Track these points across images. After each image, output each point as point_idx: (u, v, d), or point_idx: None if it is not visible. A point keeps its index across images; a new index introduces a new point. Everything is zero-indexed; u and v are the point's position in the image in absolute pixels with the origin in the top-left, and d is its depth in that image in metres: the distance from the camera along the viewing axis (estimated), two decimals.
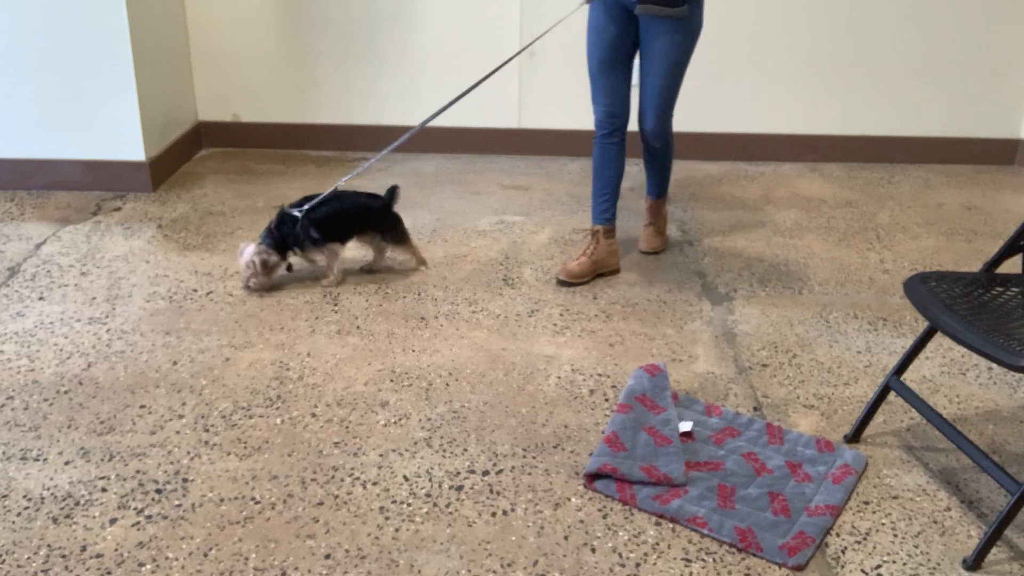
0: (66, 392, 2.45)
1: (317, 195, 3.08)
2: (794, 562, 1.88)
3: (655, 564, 1.89)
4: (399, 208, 3.17)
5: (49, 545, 1.90)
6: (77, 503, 2.02)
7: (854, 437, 2.31)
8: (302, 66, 4.41)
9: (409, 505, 2.04)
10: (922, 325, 2.65)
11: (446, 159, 4.48)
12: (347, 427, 2.32)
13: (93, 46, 3.69)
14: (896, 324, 2.92)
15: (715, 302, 3.05)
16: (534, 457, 2.22)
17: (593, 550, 1.92)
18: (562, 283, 3.12)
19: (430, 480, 2.13)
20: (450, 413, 2.39)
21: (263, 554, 1.89)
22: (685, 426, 2.30)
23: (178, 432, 2.29)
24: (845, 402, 2.49)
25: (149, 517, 1.99)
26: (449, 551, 1.91)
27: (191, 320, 2.85)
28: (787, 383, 2.57)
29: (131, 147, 3.85)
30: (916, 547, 1.96)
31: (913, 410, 2.40)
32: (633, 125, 3.11)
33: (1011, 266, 2.16)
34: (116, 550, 1.89)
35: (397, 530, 1.96)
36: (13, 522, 1.96)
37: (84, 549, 1.89)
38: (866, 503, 2.09)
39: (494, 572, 1.85)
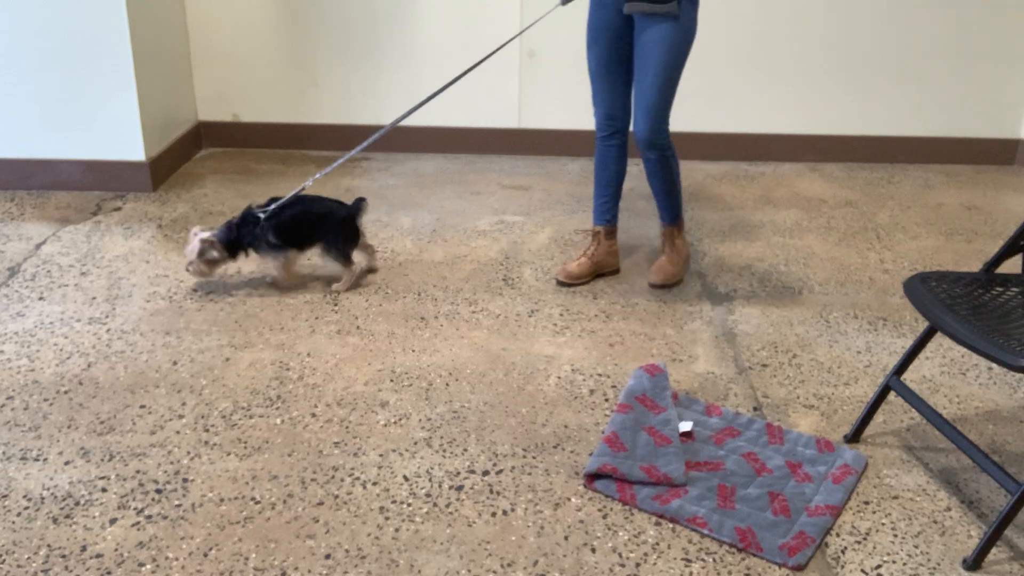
0: (66, 392, 2.45)
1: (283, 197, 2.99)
2: (794, 562, 1.88)
3: (655, 564, 1.89)
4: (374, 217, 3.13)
5: (49, 545, 1.90)
6: (77, 503, 2.02)
7: (854, 437, 2.31)
8: (302, 66, 4.41)
9: (409, 505, 2.04)
10: (922, 325, 2.65)
11: (446, 159, 4.48)
12: (347, 427, 2.32)
13: (93, 46, 3.69)
14: (896, 324, 2.92)
15: (715, 302, 3.05)
16: (534, 457, 2.22)
17: (593, 550, 1.92)
18: (561, 284, 3.12)
19: (430, 480, 2.13)
20: (450, 413, 2.39)
21: (263, 554, 1.89)
22: (685, 426, 2.30)
23: (178, 432, 2.29)
24: (845, 402, 2.49)
25: (149, 517, 1.99)
26: (449, 551, 1.91)
27: (191, 320, 2.85)
28: (787, 383, 2.57)
29: (131, 147, 3.85)
30: (916, 547, 1.96)
31: (913, 410, 2.40)
32: None
33: (1011, 266, 2.16)
34: (116, 550, 1.89)
35: (397, 530, 1.96)
36: (13, 522, 1.96)
37: (84, 549, 1.89)
38: (866, 503, 2.09)
39: (494, 572, 1.85)
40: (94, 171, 3.89)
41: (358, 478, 2.13)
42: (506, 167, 4.38)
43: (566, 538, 1.95)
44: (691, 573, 1.87)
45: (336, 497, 2.06)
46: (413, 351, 2.69)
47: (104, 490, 2.07)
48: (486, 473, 2.16)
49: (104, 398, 2.43)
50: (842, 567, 1.90)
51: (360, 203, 3.04)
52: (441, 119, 4.49)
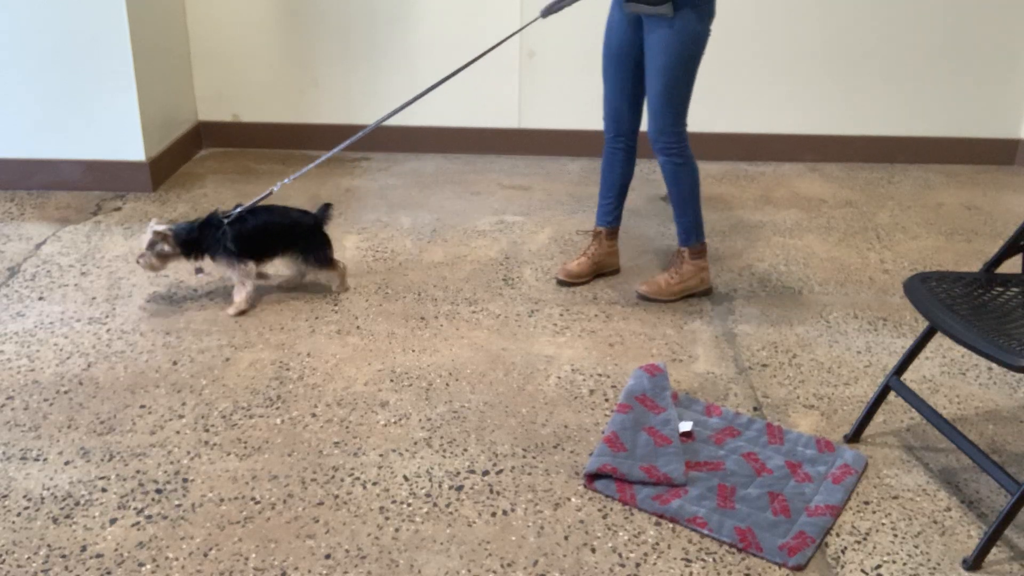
0: (66, 392, 2.45)
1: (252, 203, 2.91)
2: (794, 562, 1.88)
3: (655, 564, 1.89)
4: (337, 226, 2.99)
5: (49, 545, 1.90)
6: (77, 503, 2.02)
7: (854, 437, 2.31)
8: (302, 66, 4.41)
9: (409, 505, 2.04)
10: (922, 325, 2.65)
11: (446, 159, 4.48)
12: (347, 427, 2.32)
13: (93, 46, 3.69)
14: (896, 324, 2.92)
15: (715, 302, 3.04)
16: (534, 457, 2.22)
17: (593, 550, 1.92)
18: (562, 283, 3.12)
19: (430, 480, 2.13)
20: (450, 413, 2.39)
21: (263, 554, 1.89)
22: (685, 426, 2.30)
23: (178, 432, 2.29)
24: (845, 402, 2.49)
25: (149, 517, 1.99)
26: (449, 551, 1.91)
27: (191, 320, 2.85)
28: (787, 383, 2.57)
29: (131, 147, 3.85)
30: (916, 547, 1.96)
31: (913, 410, 2.40)
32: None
33: (1011, 266, 2.16)
34: (116, 550, 1.89)
35: (397, 530, 1.96)
36: (13, 522, 1.96)
37: (84, 549, 1.89)
38: (866, 503, 2.09)
39: (494, 572, 1.85)
40: (94, 171, 3.89)
41: (358, 478, 2.13)
42: (506, 167, 4.38)
43: (566, 538, 1.95)
44: (691, 573, 1.87)
45: (336, 497, 2.06)
46: (413, 351, 2.69)
47: (104, 490, 2.07)
48: (486, 473, 2.16)
49: (104, 398, 2.43)
50: (842, 567, 1.90)
51: (326, 209, 2.96)
52: (441, 119, 4.49)
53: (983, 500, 2.12)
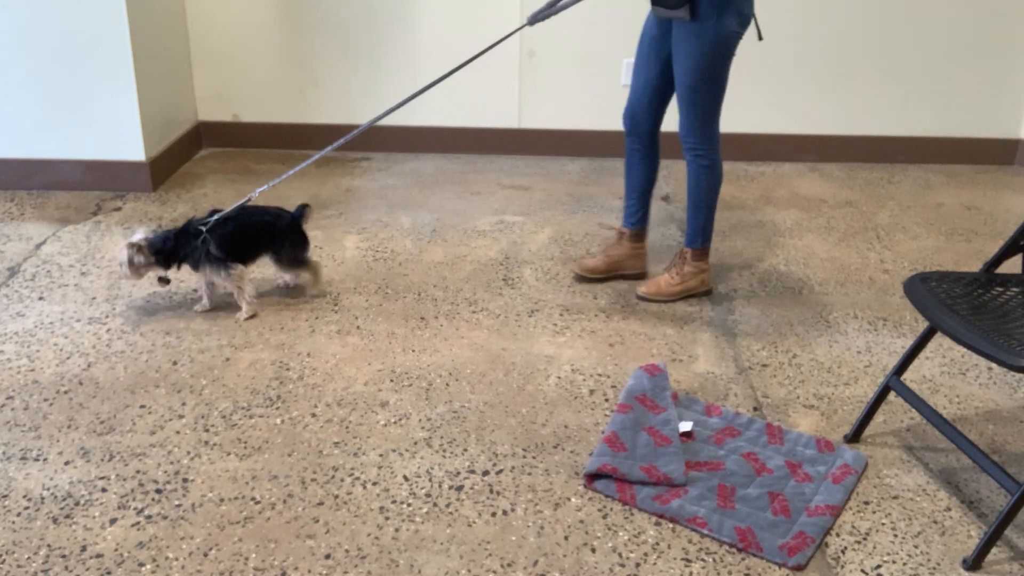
0: (66, 392, 2.45)
1: (224, 209, 2.87)
2: (794, 562, 1.88)
3: (655, 564, 1.89)
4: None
5: (49, 545, 1.90)
6: (77, 503, 2.02)
7: (854, 437, 2.31)
8: (302, 66, 4.41)
9: (409, 505, 2.04)
10: (922, 325, 2.65)
11: (446, 159, 4.48)
12: (347, 427, 2.32)
13: (93, 46, 3.69)
14: (896, 324, 2.92)
15: (715, 302, 3.05)
16: (534, 457, 2.22)
17: (593, 550, 1.92)
18: (579, 278, 3.12)
19: (430, 480, 2.13)
20: (450, 413, 2.39)
21: (263, 554, 1.89)
22: (685, 426, 2.30)
23: (178, 432, 2.29)
24: (845, 402, 2.49)
25: (149, 517, 1.99)
26: (449, 551, 1.91)
27: (191, 320, 2.85)
28: (787, 383, 2.57)
29: (131, 147, 3.85)
30: (916, 547, 1.96)
31: (913, 410, 2.40)
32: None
33: (1011, 266, 2.16)
34: (116, 550, 1.89)
35: (397, 530, 1.96)
36: (13, 522, 1.96)
37: (84, 549, 1.89)
38: (866, 503, 2.09)
39: (494, 572, 1.86)
40: (94, 171, 3.89)
41: (358, 478, 2.13)
42: (506, 167, 4.38)
43: (566, 538, 1.95)
44: (691, 573, 1.87)
45: (336, 497, 2.06)
46: (413, 351, 2.69)
47: (104, 490, 2.07)
48: (486, 473, 2.16)
49: (104, 398, 2.43)
50: (842, 567, 1.90)
51: (303, 209, 2.94)
52: (441, 119, 4.49)
53: (983, 500, 2.12)
